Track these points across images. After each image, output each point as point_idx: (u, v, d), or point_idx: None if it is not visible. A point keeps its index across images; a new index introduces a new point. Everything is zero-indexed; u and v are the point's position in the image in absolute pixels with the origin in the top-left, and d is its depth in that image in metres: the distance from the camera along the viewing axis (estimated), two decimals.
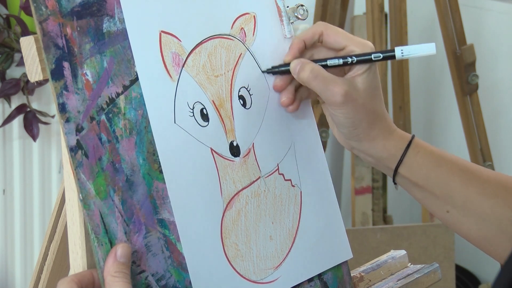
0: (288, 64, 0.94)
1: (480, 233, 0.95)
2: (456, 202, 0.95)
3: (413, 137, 0.96)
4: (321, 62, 0.94)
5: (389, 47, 2.20)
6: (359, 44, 0.94)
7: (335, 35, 0.94)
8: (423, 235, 2.09)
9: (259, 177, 0.93)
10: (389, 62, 2.22)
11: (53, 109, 1.89)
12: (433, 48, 0.93)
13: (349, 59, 0.92)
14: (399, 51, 0.93)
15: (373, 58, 0.92)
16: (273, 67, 0.95)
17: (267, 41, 0.96)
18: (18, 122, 1.86)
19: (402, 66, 2.18)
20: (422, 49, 0.94)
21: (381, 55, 0.92)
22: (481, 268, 2.47)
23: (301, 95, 0.97)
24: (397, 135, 0.96)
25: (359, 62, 0.92)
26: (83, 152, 0.78)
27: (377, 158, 0.96)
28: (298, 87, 0.96)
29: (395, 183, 0.98)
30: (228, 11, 0.93)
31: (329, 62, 0.93)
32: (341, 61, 0.93)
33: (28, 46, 0.78)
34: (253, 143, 0.93)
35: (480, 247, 0.97)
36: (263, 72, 0.95)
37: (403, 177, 0.96)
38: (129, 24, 0.83)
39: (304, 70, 0.92)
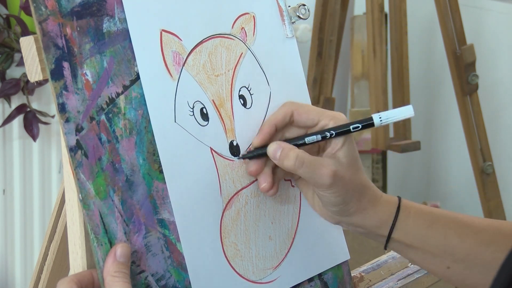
0: (263, 148, 0.90)
1: (486, 283, 0.93)
2: (456, 256, 0.93)
3: (399, 199, 0.94)
4: (298, 141, 0.90)
5: (389, 47, 2.20)
6: (331, 117, 0.91)
7: (306, 113, 0.91)
8: None
9: None
10: (389, 61, 2.22)
11: (53, 109, 1.89)
12: (410, 110, 0.90)
13: (327, 134, 0.89)
14: (377, 119, 0.90)
15: (351, 129, 0.89)
16: (247, 153, 0.91)
17: (268, 40, 0.96)
18: (18, 122, 1.86)
19: (402, 66, 2.18)
20: (400, 113, 0.90)
21: (360, 125, 0.90)
22: None
23: (279, 176, 0.94)
24: (384, 200, 0.93)
25: (337, 135, 0.90)
26: (82, 152, 0.78)
27: (369, 228, 0.93)
28: (275, 167, 0.93)
29: (385, 248, 0.95)
30: (229, 11, 0.93)
31: (307, 140, 0.90)
32: (319, 137, 0.90)
33: (28, 46, 0.78)
34: (253, 143, 0.93)
35: None
36: (238, 158, 0.91)
37: (398, 241, 0.93)
38: (131, 23, 0.83)
39: (288, 158, 0.88)
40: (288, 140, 0.91)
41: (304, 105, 0.93)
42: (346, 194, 0.90)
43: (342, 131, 0.89)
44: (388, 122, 0.90)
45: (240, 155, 0.91)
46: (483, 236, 0.93)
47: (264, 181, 0.91)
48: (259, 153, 0.91)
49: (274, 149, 0.89)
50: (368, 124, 0.90)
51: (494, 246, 0.92)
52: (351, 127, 0.89)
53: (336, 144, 0.90)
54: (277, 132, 0.92)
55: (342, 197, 0.90)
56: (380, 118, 0.90)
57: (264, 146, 0.90)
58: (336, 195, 0.90)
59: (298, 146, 0.90)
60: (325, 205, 0.92)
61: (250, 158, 0.91)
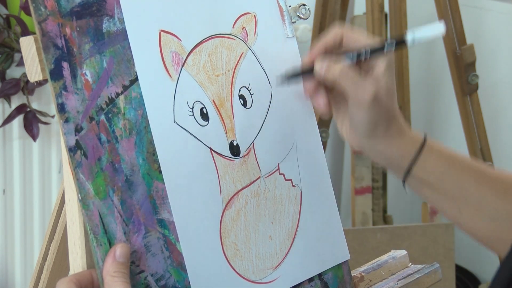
0: (310, 68, 0.93)
1: (493, 233, 0.95)
2: (469, 201, 0.95)
3: (425, 137, 0.96)
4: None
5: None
6: (374, 40, 0.94)
7: (355, 37, 0.94)
8: (423, 235, 2.09)
9: (259, 177, 0.93)
10: None
11: (53, 109, 1.89)
12: (442, 28, 0.91)
13: (362, 54, 0.92)
14: (410, 38, 0.91)
15: (386, 50, 0.92)
16: (291, 71, 0.94)
17: (268, 40, 0.96)
18: (18, 122, 1.86)
19: (402, 66, 2.18)
20: (431, 30, 0.91)
21: (393, 46, 0.92)
22: (481, 268, 2.47)
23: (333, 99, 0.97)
24: (411, 134, 0.96)
25: (372, 55, 0.92)
26: (82, 152, 0.78)
27: (391, 158, 0.95)
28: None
29: (403, 183, 0.97)
30: (229, 11, 0.93)
31: (345, 57, 0.92)
32: (354, 58, 0.92)
33: (28, 46, 0.78)
34: (253, 143, 0.93)
35: (493, 247, 0.97)
36: (284, 81, 0.94)
37: (416, 177, 0.95)
38: (129, 23, 0.83)
39: (334, 69, 0.91)
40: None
41: (354, 30, 0.95)
42: (378, 117, 0.92)
43: (376, 51, 0.91)
44: (422, 40, 0.91)
45: (286, 75, 0.94)
46: (498, 186, 0.95)
47: (321, 97, 0.94)
48: (306, 70, 0.93)
49: (320, 66, 0.92)
50: (401, 42, 0.92)
51: (506, 198, 0.94)
52: (385, 47, 0.91)
53: (379, 68, 0.92)
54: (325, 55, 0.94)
55: (375, 118, 0.92)
56: (413, 36, 0.91)
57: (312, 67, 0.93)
58: (369, 115, 0.92)
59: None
60: (355, 125, 0.94)
61: (297, 77, 0.94)
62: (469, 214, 0.95)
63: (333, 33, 0.94)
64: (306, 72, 0.94)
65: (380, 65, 0.92)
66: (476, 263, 2.47)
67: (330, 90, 0.96)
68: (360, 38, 0.94)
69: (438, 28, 0.92)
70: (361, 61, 0.93)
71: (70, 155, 0.77)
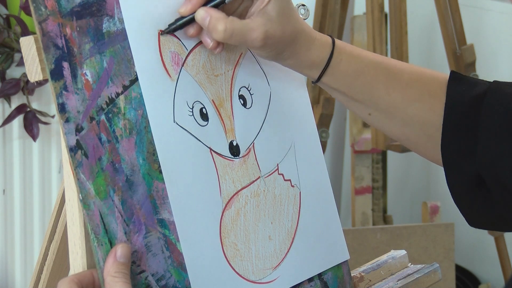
0: (191, 16, 0.86)
1: (403, 134, 0.97)
2: (379, 106, 0.95)
3: (333, 42, 0.93)
4: (217, 0, 0.87)
5: (389, 47, 2.20)
6: None
7: None
8: (423, 235, 2.09)
9: (259, 177, 0.93)
10: None
11: (53, 109, 1.89)
12: None
13: None
14: None
15: None
16: (173, 23, 0.86)
17: None
18: (18, 122, 1.86)
19: None
20: None
21: None
22: (481, 268, 2.47)
23: None
24: (319, 43, 0.92)
25: None
26: (82, 152, 0.78)
27: (300, 68, 0.93)
28: None
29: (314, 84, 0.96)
30: None
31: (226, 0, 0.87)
32: None
33: (28, 46, 0.78)
34: (253, 143, 0.93)
35: (403, 144, 1.00)
36: (163, 33, 0.86)
37: (326, 84, 0.94)
38: (128, 24, 0.83)
39: (216, 31, 0.85)
40: (210, 1, 0.87)
41: None
42: (278, 48, 0.89)
43: None
44: None
45: (167, 28, 0.86)
46: (409, 93, 0.95)
47: (208, 38, 0.88)
48: (186, 20, 0.86)
49: (202, 17, 0.86)
50: None
51: (417, 104, 0.95)
52: None
53: None
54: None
55: (275, 51, 0.89)
56: None
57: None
58: (269, 51, 0.89)
59: (221, 5, 0.86)
60: (259, 56, 0.92)
61: (180, 27, 0.87)
62: (378, 117, 0.96)
63: None
64: (187, 22, 0.87)
65: None
66: (476, 263, 2.47)
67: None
68: None
69: None
70: None
71: (71, 155, 0.77)
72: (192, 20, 0.86)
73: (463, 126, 0.94)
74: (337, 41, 0.94)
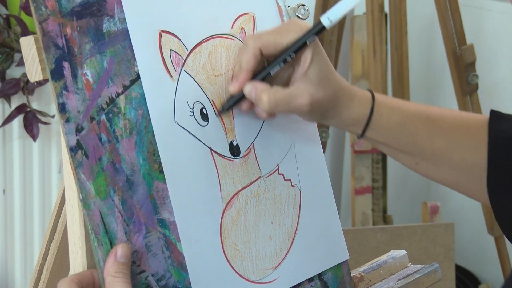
0: (241, 93, 0.90)
1: (453, 179, 0.98)
2: (424, 155, 0.96)
3: (373, 97, 0.95)
4: (262, 73, 0.90)
5: (389, 47, 2.20)
6: (293, 35, 0.90)
7: (273, 43, 0.89)
8: (423, 235, 2.09)
9: (259, 177, 0.93)
10: (389, 61, 2.22)
11: (53, 109, 1.89)
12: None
13: (288, 58, 0.89)
14: (326, 21, 0.89)
15: (308, 43, 0.89)
16: (227, 104, 0.90)
17: None
18: (18, 122, 1.86)
19: (402, 66, 2.18)
20: (345, 4, 0.89)
21: (314, 36, 0.89)
22: (481, 268, 2.47)
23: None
24: (358, 99, 0.94)
25: (297, 51, 0.89)
26: (83, 152, 0.78)
27: (344, 127, 0.97)
28: None
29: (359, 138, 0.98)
30: (228, 11, 0.93)
31: (271, 71, 0.90)
32: (282, 64, 0.90)
33: (28, 46, 0.78)
34: (253, 143, 0.93)
35: (455, 190, 1.00)
36: (220, 112, 0.90)
37: (370, 138, 0.96)
38: (130, 23, 0.83)
39: (262, 103, 0.88)
40: (256, 75, 0.90)
41: (267, 35, 0.90)
42: (322, 109, 0.92)
43: (299, 47, 0.89)
44: (337, 19, 0.90)
45: (220, 109, 0.90)
46: (452, 138, 0.96)
47: (262, 111, 0.91)
48: (238, 98, 0.90)
49: (249, 90, 0.89)
50: (320, 29, 0.89)
51: (462, 147, 0.96)
52: (307, 41, 0.89)
53: (305, 61, 0.90)
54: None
55: (320, 113, 0.92)
56: (328, 18, 0.90)
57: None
58: (315, 115, 0.92)
59: (268, 77, 0.90)
60: (306, 120, 0.95)
61: (231, 106, 0.91)
62: (426, 166, 0.97)
63: (250, 51, 0.89)
64: (240, 100, 0.91)
65: (307, 55, 0.90)
66: (476, 263, 2.47)
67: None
68: (277, 40, 0.90)
69: (350, 1, 0.90)
70: (288, 62, 0.90)
71: (71, 155, 0.77)
72: (243, 96, 0.90)
73: (508, 162, 0.94)
74: (376, 95, 0.95)
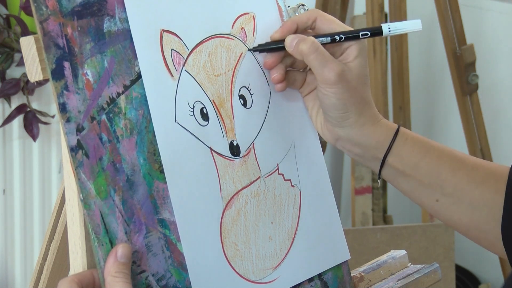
0: (281, 41, 0.93)
1: (471, 221, 0.95)
2: (445, 190, 0.94)
3: (399, 126, 0.96)
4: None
5: (389, 47, 2.20)
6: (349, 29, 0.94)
7: (328, 22, 0.94)
8: (423, 235, 2.09)
9: (259, 177, 0.93)
10: (389, 62, 2.22)
11: (53, 109, 1.89)
12: (419, 24, 0.93)
13: (337, 37, 0.92)
14: (386, 28, 0.93)
15: (360, 36, 0.92)
16: (263, 44, 0.94)
17: (267, 40, 0.96)
18: (18, 122, 1.86)
19: (402, 66, 2.18)
20: (408, 25, 0.93)
21: (369, 33, 0.92)
22: (481, 268, 2.47)
23: (290, 77, 0.96)
24: (384, 123, 0.95)
25: (346, 40, 0.92)
26: (83, 152, 0.78)
27: (365, 147, 0.95)
28: (288, 66, 0.96)
29: (379, 177, 0.97)
30: (228, 11, 0.93)
31: (317, 40, 0.92)
32: (329, 39, 0.92)
33: (28, 46, 0.78)
34: (253, 143, 0.93)
35: (470, 236, 0.97)
36: (250, 50, 0.93)
37: (391, 166, 0.95)
38: (132, 22, 0.83)
39: (304, 42, 0.91)
40: None
41: (328, 15, 0.95)
42: (347, 99, 0.92)
43: (351, 35, 0.92)
44: (396, 33, 0.93)
45: (256, 46, 0.93)
46: (475, 174, 0.94)
47: (277, 72, 0.94)
48: (276, 46, 0.93)
49: (292, 38, 0.92)
50: (377, 32, 0.93)
51: (484, 186, 0.94)
52: (360, 33, 0.92)
53: (350, 55, 0.92)
54: (297, 32, 0.94)
55: (343, 101, 0.92)
56: (389, 28, 0.93)
57: (282, 41, 0.93)
58: (337, 97, 0.91)
59: None
60: (325, 108, 0.93)
61: (266, 50, 0.93)
62: (446, 203, 0.95)
63: (307, 13, 0.95)
64: (275, 45, 0.94)
65: (353, 48, 0.92)
66: (476, 263, 2.47)
67: (301, 75, 0.97)
68: (334, 21, 0.94)
69: (415, 25, 0.93)
70: (335, 42, 0.92)
71: (72, 155, 0.77)
72: (280, 48, 0.93)
73: None
74: (401, 127, 0.96)
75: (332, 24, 0.94)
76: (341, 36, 0.92)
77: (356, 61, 0.92)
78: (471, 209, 0.94)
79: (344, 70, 0.91)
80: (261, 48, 0.94)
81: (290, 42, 0.92)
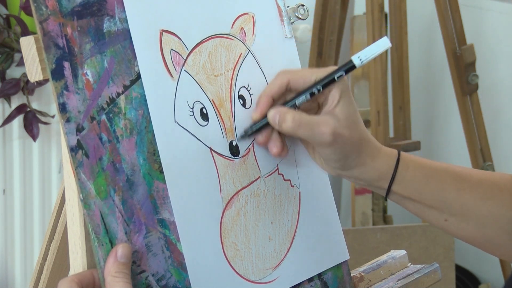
0: (264, 119, 0.91)
1: (482, 236, 0.95)
2: (453, 210, 0.95)
3: (399, 152, 0.95)
4: (289, 104, 0.91)
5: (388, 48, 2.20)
6: (324, 72, 0.91)
7: (301, 77, 0.92)
8: (423, 235, 2.09)
9: (259, 177, 0.93)
10: (389, 62, 2.22)
11: (53, 109, 1.89)
12: (386, 41, 0.91)
13: (315, 90, 0.90)
14: (357, 59, 0.91)
15: (336, 78, 0.90)
16: (250, 128, 0.92)
17: (267, 41, 0.96)
18: (18, 122, 1.86)
19: (402, 66, 2.18)
20: (377, 47, 0.91)
21: (343, 72, 0.90)
22: (481, 268, 2.47)
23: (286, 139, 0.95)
24: (384, 153, 0.95)
25: (325, 87, 0.90)
26: (83, 152, 0.78)
27: (368, 181, 0.95)
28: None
29: (386, 199, 0.97)
30: (228, 11, 0.93)
31: (297, 102, 0.91)
32: (308, 96, 0.90)
33: (28, 46, 0.78)
34: (253, 143, 0.93)
35: (484, 249, 0.98)
36: (239, 139, 0.91)
37: (396, 194, 0.95)
38: (132, 23, 0.83)
39: (285, 121, 0.89)
40: (283, 104, 0.92)
41: (298, 70, 0.94)
42: (346, 150, 0.91)
43: (327, 82, 0.90)
44: (368, 59, 0.91)
45: (242, 133, 0.91)
46: (479, 191, 0.94)
47: (274, 145, 0.92)
48: (261, 125, 0.91)
49: (273, 115, 0.90)
50: (350, 67, 0.91)
51: (490, 201, 0.94)
52: (335, 76, 0.90)
53: (333, 100, 0.91)
54: (275, 102, 0.93)
55: (343, 153, 0.91)
56: (359, 58, 0.91)
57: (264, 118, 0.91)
58: (336, 152, 0.91)
59: (295, 108, 0.91)
60: (326, 161, 0.93)
61: (253, 133, 0.92)
62: (455, 222, 0.95)
63: (279, 80, 0.92)
64: (261, 124, 0.92)
65: (334, 92, 0.90)
66: (476, 263, 2.47)
67: None
68: (306, 75, 0.91)
69: (383, 44, 0.91)
70: (315, 95, 0.91)
71: (72, 155, 0.77)
72: (265, 125, 0.91)
73: None
74: (402, 152, 0.95)
75: (305, 78, 0.91)
76: (318, 87, 0.90)
77: (341, 104, 0.90)
78: (480, 225, 0.95)
79: (335, 125, 0.90)
80: (251, 132, 0.92)
81: (273, 120, 0.90)
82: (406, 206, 0.97)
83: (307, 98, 0.90)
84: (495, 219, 0.94)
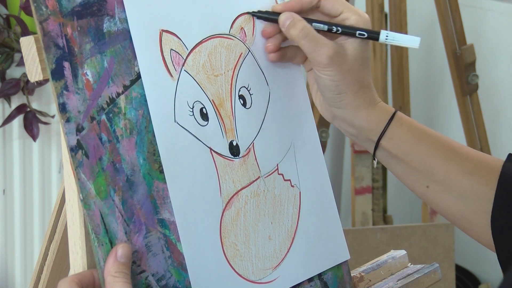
0: (277, 14, 0.93)
1: (459, 210, 0.95)
2: (436, 177, 0.95)
3: (396, 110, 0.96)
4: (306, 21, 0.93)
5: (389, 47, 2.20)
6: (355, 13, 0.93)
7: (333, 1, 0.94)
8: (423, 235, 2.09)
9: (259, 177, 0.93)
10: (389, 62, 2.22)
11: (53, 109, 1.89)
12: (417, 42, 0.93)
13: (334, 28, 0.92)
14: (383, 35, 0.93)
15: (357, 35, 0.92)
16: (263, 12, 0.94)
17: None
18: (18, 122, 1.86)
19: (402, 66, 2.18)
20: (406, 39, 0.93)
21: (366, 34, 0.92)
22: (481, 268, 2.47)
23: (287, 53, 0.96)
24: (381, 107, 0.95)
25: (343, 34, 0.92)
26: (83, 152, 0.78)
27: (359, 129, 0.95)
28: (285, 39, 0.96)
29: (374, 158, 0.97)
30: (228, 11, 0.93)
31: (314, 25, 0.92)
32: (325, 27, 0.92)
33: (28, 46, 0.78)
34: (253, 143, 0.93)
35: (458, 225, 0.98)
36: (249, 13, 0.94)
37: (384, 149, 0.95)
38: (132, 23, 0.83)
39: (295, 27, 0.91)
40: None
41: None
42: (340, 82, 0.92)
43: (348, 31, 0.92)
44: (392, 43, 0.93)
45: (254, 11, 0.93)
46: (467, 165, 0.94)
47: (271, 42, 0.94)
48: (271, 16, 0.93)
49: (286, 17, 0.92)
50: (373, 36, 0.92)
51: (474, 177, 0.94)
52: (357, 32, 0.92)
53: (350, 41, 0.92)
54: (301, 14, 0.94)
55: (337, 83, 0.92)
56: (386, 36, 0.93)
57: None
58: (330, 79, 0.92)
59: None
60: (322, 90, 0.94)
61: (263, 17, 0.94)
62: (436, 191, 0.95)
63: None
64: (272, 16, 0.94)
65: (353, 41, 0.92)
66: (476, 263, 2.47)
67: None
68: (338, 1, 0.93)
69: (411, 40, 0.93)
70: (331, 33, 0.92)
71: (72, 155, 0.77)
72: (272, 20, 0.93)
73: None
74: (399, 112, 0.96)
75: (335, 3, 0.93)
76: (339, 28, 0.92)
77: (355, 44, 0.92)
78: (459, 198, 0.94)
79: (338, 52, 0.91)
80: (259, 15, 0.94)
81: (283, 22, 0.92)
82: (391, 166, 0.97)
83: (324, 28, 0.92)
84: (476, 196, 0.94)
